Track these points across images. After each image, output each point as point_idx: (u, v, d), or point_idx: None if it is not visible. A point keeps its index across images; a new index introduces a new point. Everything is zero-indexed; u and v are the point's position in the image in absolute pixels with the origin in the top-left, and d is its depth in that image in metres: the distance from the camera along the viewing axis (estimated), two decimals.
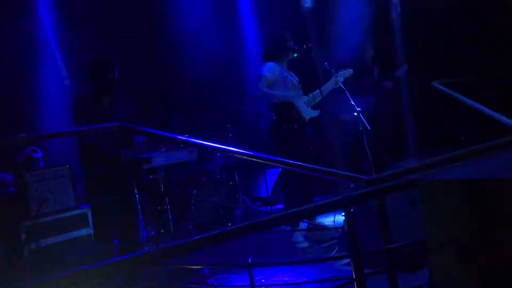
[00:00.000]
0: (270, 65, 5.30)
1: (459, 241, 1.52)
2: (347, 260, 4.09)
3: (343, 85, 5.28)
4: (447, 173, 1.73)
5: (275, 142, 5.33)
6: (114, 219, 4.32)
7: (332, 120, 5.48)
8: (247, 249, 4.82)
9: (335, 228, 5.20)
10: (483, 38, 5.52)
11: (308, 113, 5.36)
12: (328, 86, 5.32)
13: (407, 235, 3.37)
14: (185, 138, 3.09)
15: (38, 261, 3.75)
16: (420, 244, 3.19)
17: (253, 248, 4.89)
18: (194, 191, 6.31)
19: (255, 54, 8.17)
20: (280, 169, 7.23)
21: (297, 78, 5.50)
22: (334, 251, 4.56)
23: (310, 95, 5.41)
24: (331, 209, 1.78)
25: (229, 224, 6.46)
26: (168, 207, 5.15)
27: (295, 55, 5.40)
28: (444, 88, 2.91)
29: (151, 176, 5.66)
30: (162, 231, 5.48)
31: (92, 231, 4.16)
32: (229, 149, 3.02)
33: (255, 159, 2.59)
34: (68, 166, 4.19)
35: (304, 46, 5.41)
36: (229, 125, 7.30)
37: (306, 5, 5.55)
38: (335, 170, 2.31)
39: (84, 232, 4.13)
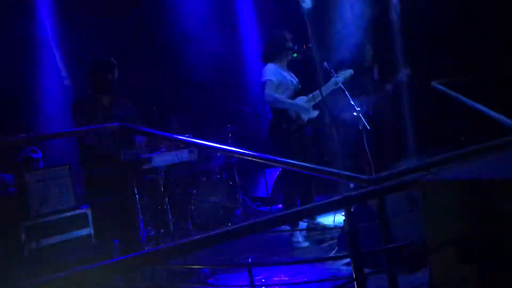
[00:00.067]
0: (271, 67, 5.29)
1: (459, 241, 1.52)
2: (347, 260, 4.09)
3: (343, 85, 5.28)
4: (447, 173, 1.73)
5: (275, 142, 5.32)
6: (114, 219, 4.32)
7: (331, 120, 5.47)
8: (247, 249, 4.83)
9: (335, 228, 5.21)
10: (483, 37, 5.52)
11: (309, 113, 5.36)
12: (328, 87, 5.32)
13: (407, 235, 3.37)
14: (185, 138, 3.09)
15: (38, 261, 3.75)
16: (420, 244, 3.20)
17: (253, 248, 4.89)
18: (194, 191, 6.31)
19: (254, 54, 8.17)
20: (280, 169, 7.23)
21: (296, 79, 5.50)
22: (334, 251, 4.56)
23: (310, 95, 5.41)
24: (331, 209, 1.78)
25: (229, 224, 6.46)
26: (168, 207, 5.14)
27: (295, 55, 5.40)
28: (444, 88, 2.91)
29: (151, 176, 5.66)
30: (162, 231, 5.48)
31: (92, 231, 4.17)
32: (229, 149, 3.02)
33: (255, 159, 2.59)
34: (68, 166, 4.19)
35: (304, 46, 5.41)
36: (228, 125, 7.31)
37: (305, 5, 5.54)
38: (334, 170, 2.31)
39: (84, 232, 4.13)
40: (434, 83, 3.02)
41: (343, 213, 1.94)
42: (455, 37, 5.74)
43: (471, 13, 5.57)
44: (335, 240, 4.79)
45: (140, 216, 4.43)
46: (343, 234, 4.65)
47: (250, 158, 2.60)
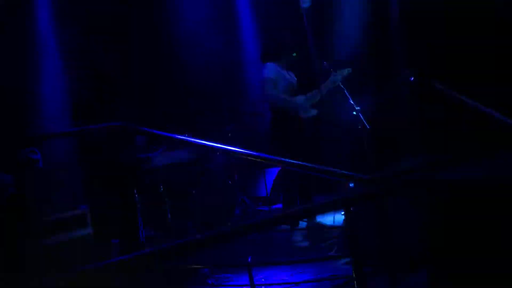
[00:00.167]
0: (271, 66, 5.30)
1: (458, 240, 1.52)
2: (347, 259, 4.09)
3: (342, 84, 5.28)
4: (448, 173, 1.73)
5: (274, 142, 5.33)
6: (113, 219, 4.32)
7: (331, 119, 5.47)
8: (247, 249, 4.82)
9: (335, 227, 5.20)
10: (483, 37, 5.52)
11: (309, 112, 5.36)
12: (326, 85, 5.32)
13: (407, 234, 3.38)
14: (184, 137, 3.09)
15: (38, 261, 3.75)
16: (419, 243, 3.20)
17: (253, 247, 4.89)
18: (194, 191, 6.31)
19: (254, 54, 8.16)
20: (280, 169, 7.23)
21: (296, 78, 5.51)
22: (334, 250, 4.56)
23: (309, 94, 5.41)
24: (331, 208, 1.79)
25: (229, 224, 6.46)
26: (168, 206, 5.15)
27: (294, 54, 5.40)
28: (444, 88, 2.92)
29: (150, 176, 5.66)
30: (161, 231, 5.48)
31: (91, 231, 4.16)
32: (229, 149, 3.01)
33: (254, 159, 2.60)
34: (67, 166, 4.19)
35: (303, 45, 5.41)
36: (228, 125, 7.30)
37: (304, 4, 5.55)
38: (335, 169, 2.31)
39: (83, 232, 4.13)
40: (434, 83, 3.02)
41: (343, 213, 1.94)
42: (455, 36, 5.74)
43: (471, 13, 5.57)
44: (335, 240, 4.78)
45: (140, 216, 4.42)
46: (342, 233, 4.65)
47: (250, 158, 2.60)
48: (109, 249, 4.26)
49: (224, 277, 4.27)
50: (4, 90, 6.31)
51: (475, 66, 5.50)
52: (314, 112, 5.42)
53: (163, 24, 7.88)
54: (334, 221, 5.37)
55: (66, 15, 7.06)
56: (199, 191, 6.37)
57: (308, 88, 5.48)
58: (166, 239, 5.27)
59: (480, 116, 2.56)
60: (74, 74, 6.82)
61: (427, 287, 2.17)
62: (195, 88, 7.92)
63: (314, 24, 5.50)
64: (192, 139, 2.99)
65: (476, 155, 1.92)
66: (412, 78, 5.87)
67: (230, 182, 6.91)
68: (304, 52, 5.38)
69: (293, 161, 2.52)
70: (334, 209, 4.20)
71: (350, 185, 5.15)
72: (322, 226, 5.38)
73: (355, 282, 1.91)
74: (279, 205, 6.92)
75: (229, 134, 7.22)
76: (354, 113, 5.15)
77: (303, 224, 5.40)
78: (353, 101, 5.17)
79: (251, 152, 2.60)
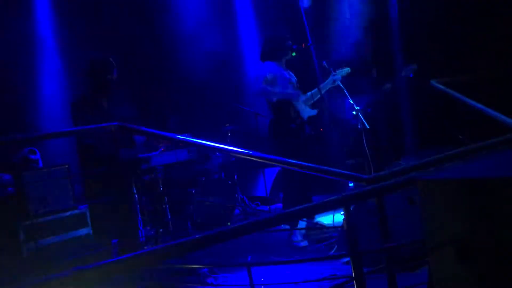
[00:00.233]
0: (269, 64, 5.31)
1: (458, 240, 1.52)
2: (346, 259, 4.09)
3: (341, 84, 5.28)
4: (446, 171, 1.73)
5: (274, 141, 5.32)
6: (113, 218, 4.32)
7: (330, 119, 5.47)
8: (246, 248, 4.82)
9: (334, 227, 5.20)
10: (483, 37, 5.52)
11: (307, 112, 5.36)
12: (326, 85, 5.32)
13: (406, 233, 3.37)
14: (184, 137, 3.09)
15: (37, 261, 3.74)
16: (419, 242, 3.20)
17: (252, 247, 4.88)
18: (193, 191, 6.31)
19: (253, 53, 8.17)
20: (279, 168, 7.23)
21: (295, 77, 5.50)
22: (333, 250, 4.56)
23: (309, 93, 5.41)
24: (331, 208, 1.79)
25: (228, 224, 6.46)
26: (167, 206, 5.14)
27: (294, 54, 5.40)
28: (443, 87, 2.92)
29: (150, 176, 5.66)
30: (161, 230, 5.47)
31: (91, 231, 4.16)
32: (228, 149, 3.02)
33: (254, 159, 2.60)
34: (67, 166, 4.19)
35: (303, 45, 5.41)
36: (227, 125, 7.30)
37: (304, 4, 5.55)
38: (334, 169, 2.31)
39: (83, 232, 4.13)
40: (433, 82, 3.02)
41: (342, 212, 1.94)
42: (454, 36, 5.75)
43: (471, 12, 5.57)
44: (334, 239, 4.78)
45: (139, 216, 4.42)
46: (342, 233, 4.65)
47: (249, 158, 2.60)
48: (109, 249, 4.25)
49: (224, 277, 4.26)
50: (3, 90, 6.31)
51: (475, 66, 5.50)
52: (314, 112, 5.42)
53: (163, 23, 7.88)
54: (333, 221, 5.37)
55: (66, 14, 7.06)
56: (199, 191, 6.38)
57: (308, 88, 5.48)
58: (165, 239, 5.27)
59: (479, 115, 2.56)
60: (73, 73, 6.83)
61: (427, 287, 2.17)
62: (195, 88, 7.92)
63: (313, 24, 5.50)
64: (192, 139, 2.98)
65: (474, 154, 1.92)
66: (412, 75, 5.88)
67: (229, 182, 6.91)
68: (303, 51, 5.38)
69: (293, 161, 2.52)
70: (334, 208, 4.19)
71: (350, 184, 5.15)
72: (322, 226, 5.38)
73: (354, 282, 1.91)
74: (279, 205, 6.92)
75: (229, 134, 7.22)
76: (354, 112, 5.15)
77: (302, 224, 5.40)
78: (352, 101, 5.17)
79: (251, 152, 2.60)
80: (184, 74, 7.82)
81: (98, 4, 7.14)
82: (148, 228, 5.64)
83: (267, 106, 5.43)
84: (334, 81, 5.28)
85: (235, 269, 4.42)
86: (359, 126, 5.14)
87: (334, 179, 2.52)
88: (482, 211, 1.48)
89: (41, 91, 7.03)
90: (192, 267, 4.28)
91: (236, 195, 7.08)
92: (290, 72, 5.49)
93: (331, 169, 2.33)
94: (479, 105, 2.59)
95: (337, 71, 5.35)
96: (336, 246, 4.58)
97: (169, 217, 5.13)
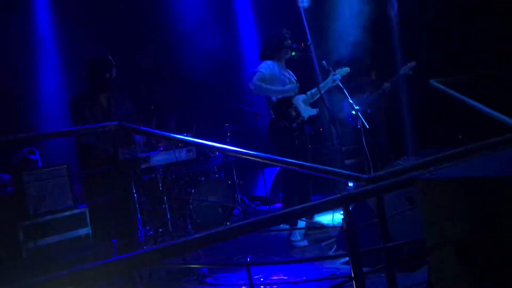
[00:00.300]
0: (267, 62, 5.30)
1: (457, 239, 1.52)
2: (345, 259, 4.09)
3: (341, 84, 5.28)
4: (446, 171, 1.72)
5: (274, 141, 5.32)
6: (112, 218, 4.31)
7: (330, 119, 5.47)
8: (246, 248, 4.82)
9: (333, 226, 5.20)
10: (483, 37, 5.52)
11: (307, 111, 5.36)
12: (325, 84, 5.32)
13: (406, 233, 3.38)
14: (183, 137, 3.08)
15: (36, 261, 3.74)
16: (418, 242, 3.19)
17: (252, 247, 4.89)
18: (193, 190, 6.31)
19: (253, 53, 8.17)
20: (278, 168, 7.23)
21: (295, 77, 5.50)
22: (333, 250, 4.56)
23: (308, 93, 5.40)
24: (330, 207, 1.78)
25: (228, 223, 6.46)
26: (167, 206, 5.14)
27: (293, 53, 5.39)
28: (442, 87, 2.91)
29: (149, 175, 5.65)
30: (160, 230, 5.47)
31: (90, 231, 4.16)
32: (228, 148, 3.01)
33: (254, 158, 2.59)
34: (66, 165, 4.18)
35: (302, 44, 5.41)
36: (227, 124, 7.30)
37: (303, 3, 5.55)
38: (334, 169, 2.31)
39: (82, 231, 4.13)
40: (432, 82, 3.02)
41: (341, 212, 1.93)
42: (454, 35, 5.75)
43: (471, 12, 5.57)
44: (334, 239, 4.78)
45: (139, 216, 4.42)
46: (341, 233, 4.64)
47: (249, 157, 2.60)
48: (108, 249, 4.25)
49: (223, 277, 4.26)
50: (3, 89, 6.30)
51: (475, 66, 5.50)
52: (314, 111, 5.42)
53: (162, 23, 7.88)
54: (333, 221, 5.37)
55: (65, 13, 7.06)
56: (198, 191, 6.37)
57: (308, 87, 5.48)
58: (164, 239, 5.27)
59: (478, 115, 2.56)
60: (72, 72, 6.82)
61: (427, 287, 2.16)
62: (195, 87, 7.92)
63: (313, 23, 5.50)
64: (191, 139, 2.98)
65: (474, 154, 1.91)
66: (411, 73, 5.88)
67: (229, 182, 6.91)
68: (303, 51, 5.38)
69: (292, 161, 2.52)
70: (333, 208, 4.19)
71: (349, 184, 5.14)
72: (321, 226, 5.38)
73: (354, 281, 1.91)
74: (278, 205, 6.92)
75: (229, 134, 7.22)
76: (353, 112, 5.15)
77: (302, 223, 5.40)
78: (352, 101, 5.17)
79: (250, 152, 2.60)
80: (184, 74, 7.82)
81: (98, 3, 7.14)
82: (148, 227, 5.65)
83: (266, 106, 5.43)
84: (334, 80, 5.28)
85: (235, 269, 4.42)
86: (358, 126, 5.14)
87: (333, 179, 2.52)
88: (482, 211, 1.47)
89: (40, 91, 7.02)
90: (192, 267, 4.28)
91: (236, 195, 7.08)
92: (290, 71, 5.49)
93: (331, 168, 2.32)
94: (479, 105, 2.59)
95: (336, 71, 5.35)
96: (335, 246, 4.58)
97: (169, 217, 5.13)
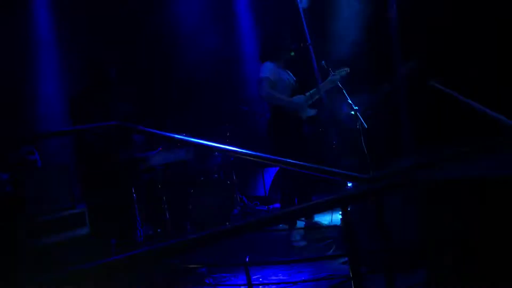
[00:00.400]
0: (269, 65, 5.29)
1: (458, 240, 1.52)
2: (344, 259, 4.09)
3: (340, 84, 5.28)
4: (445, 171, 1.72)
5: (273, 141, 5.32)
6: (111, 218, 4.31)
7: (329, 119, 5.47)
8: (245, 248, 4.82)
9: (332, 227, 5.20)
10: (483, 37, 5.52)
11: (306, 111, 5.36)
12: (325, 85, 5.32)
13: (405, 233, 3.37)
14: (182, 137, 3.08)
15: (35, 260, 3.74)
16: (417, 242, 3.19)
17: (251, 247, 4.88)
18: (192, 190, 6.31)
19: (252, 53, 8.17)
20: (278, 168, 7.23)
21: (294, 77, 5.50)
22: (332, 250, 4.56)
23: (308, 93, 5.40)
24: (329, 207, 1.78)
25: (227, 223, 6.45)
26: (166, 206, 5.14)
27: (293, 54, 5.39)
28: (442, 87, 2.91)
29: (148, 175, 5.65)
30: (159, 230, 5.48)
31: (89, 231, 4.15)
32: (227, 148, 3.01)
33: (253, 158, 2.59)
34: (65, 165, 4.18)
35: (302, 44, 5.41)
36: (226, 124, 7.30)
37: (303, 3, 5.54)
38: (333, 169, 2.31)
39: (81, 231, 4.12)
40: (432, 82, 3.02)
41: (340, 212, 1.93)
42: (453, 35, 5.74)
43: (470, 11, 5.57)
44: (333, 239, 4.78)
45: (138, 216, 4.42)
46: (340, 233, 4.64)
47: (248, 157, 2.60)
48: (107, 249, 4.25)
49: (222, 277, 4.26)
50: (3, 89, 6.29)
51: (474, 66, 5.50)
52: (313, 111, 5.42)
53: (162, 22, 7.87)
54: (331, 221, 5.37)
55: (64, 12, 7.05)
56: (197, 191, 6.37)
57: (307, 88, 5.47)
58: (164, 238, 5.26)
59: (477, 115, 2.56)
60: (72, 72, 6.82)
61: (426, 287, 2.16)
62: (195, 87, 7.92)
63: (312, 23, 5.49)
64: (191, 139, 2.98)
65: (473, 154, 1.91)
66: (410, 73, 5.88)
67: (228, 182, 6.91)
68: (302, 51, 5.37)
69: (291, 161, 2.52)
70: (332, 208, 4.19)
71: (349, 184, 5.15)
72: (320, 226, 5.38)
73: (352, 282, 1.91)
74: (278, 205, 6.92)
75: (228, 134, 7.22)
76: (353, 112, 5.15)
77: (301, 223, 5.40)
78: (351, 101, 5.17)
79: (250, 152, 2.59)
80: (183, 74, 7.82)
81: (98, 3, 7.13)
82: (147, 227, 5.65)
83: (266, 105, 5.43)
84: (333, 81, 5.28)
85: (234, 269, 4.42)
86: (357, 126, 5.14)
87: (332, 179, 2.52)
88: (482, 211, 1.47)
89: (40, 91, 7.02)
90: (191, 267, 4.28)
91: (235, 195, 7.08)
92: (289, 72, 5.49)
93: (330, 169, 2.32)
94: (478, 105, 2.59)
95: (336, 71, 5.35)
96: (334, 246, 4.58)
97: (168, 216, 5.13)
